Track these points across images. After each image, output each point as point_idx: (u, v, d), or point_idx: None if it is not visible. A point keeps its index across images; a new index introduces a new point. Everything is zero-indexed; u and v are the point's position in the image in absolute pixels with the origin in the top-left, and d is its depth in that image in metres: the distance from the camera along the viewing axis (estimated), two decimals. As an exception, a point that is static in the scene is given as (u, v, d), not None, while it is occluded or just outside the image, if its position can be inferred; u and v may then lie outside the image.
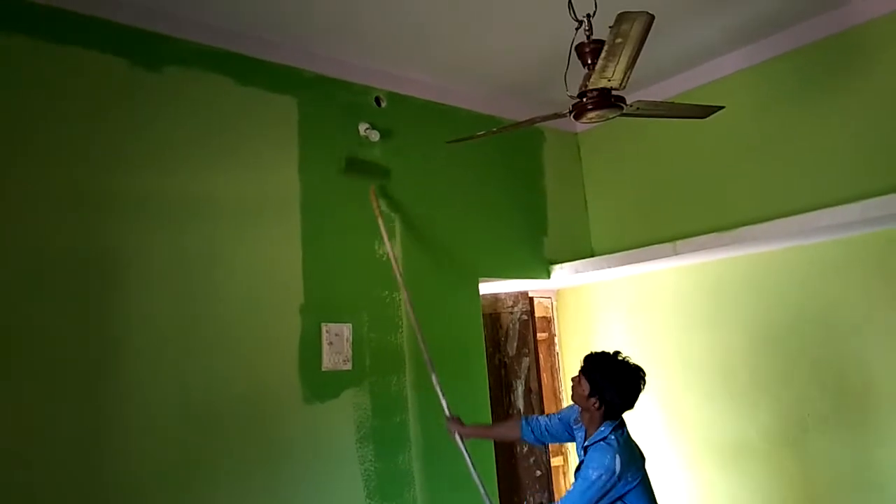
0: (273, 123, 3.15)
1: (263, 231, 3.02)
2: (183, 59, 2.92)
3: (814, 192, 3.26)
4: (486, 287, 4.03)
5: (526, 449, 4.10)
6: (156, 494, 2.57)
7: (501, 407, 4.15)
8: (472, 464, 2.93)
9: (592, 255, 4.17)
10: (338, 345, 3.13)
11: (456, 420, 3.01)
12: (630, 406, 2.47)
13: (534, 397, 4.18)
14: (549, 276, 4.09)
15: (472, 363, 3.61)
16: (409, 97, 3.66)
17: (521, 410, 4.15)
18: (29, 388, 2.38)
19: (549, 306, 4.70)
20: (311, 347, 3.05)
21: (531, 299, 4.31)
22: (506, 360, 4.24)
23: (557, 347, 4.66)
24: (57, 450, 2.40)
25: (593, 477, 2.31)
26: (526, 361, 4.18)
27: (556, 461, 4.39)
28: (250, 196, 3.01)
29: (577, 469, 2.46)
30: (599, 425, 2.45)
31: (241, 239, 2.94)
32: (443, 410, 3.04)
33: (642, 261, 3.71)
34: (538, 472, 4.08)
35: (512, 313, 4.30)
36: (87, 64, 2.68)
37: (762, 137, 3.52)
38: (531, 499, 4.05)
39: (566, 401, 4.55)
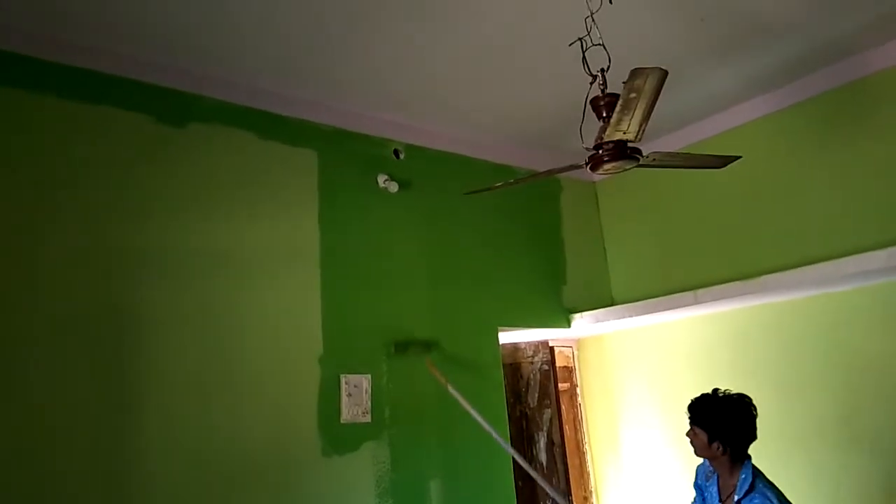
0: (294, 176, 3.20)
1: (283, 282, 3.04)
2: (206, 115, 3.00)
3: (837, 240, 3.21)
4: (506, 336, 4.00)
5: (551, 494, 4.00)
6: (173, 550, 2.54)
7: (524, 460, 4.07)
8: None
9: (613, 304, 4.13)
10: (357, 396, 3.11)
11: None
12: (753, 436, 2.41)
13: (556, 450, 4.10)
14: (569, 325, 4.05)
15: (493, 414, 3.54)
16: (426, 149, 3.71)
17: (545, 464, 4.06)
18: (50, 438, 2.39)
19: (571, 356, 4.64)
20: (329, 399, 3.03)
21: (552, 349, 4.26)
22: (527, 411, 4.18)
23: (580, 398, 4.58)
24: (77, 493, 2.40)
25: None
26: (548, 413, 4.11)
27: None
28: (271, 248, 3.04)
29: None
30: (733, 470, 2.39)
31: (262, 290, 2.96)
32: None
33: (663, 310, 3.68)
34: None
35: (532, 363, 4.25)
36: (113, 121, 2.76)
37: (782, 184, 3.50)
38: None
39: (590, 453, 4.45)
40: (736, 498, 2.33)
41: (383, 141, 3.55)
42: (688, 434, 2.49)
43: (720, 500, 2.45)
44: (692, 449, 2.52)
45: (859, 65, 3.21)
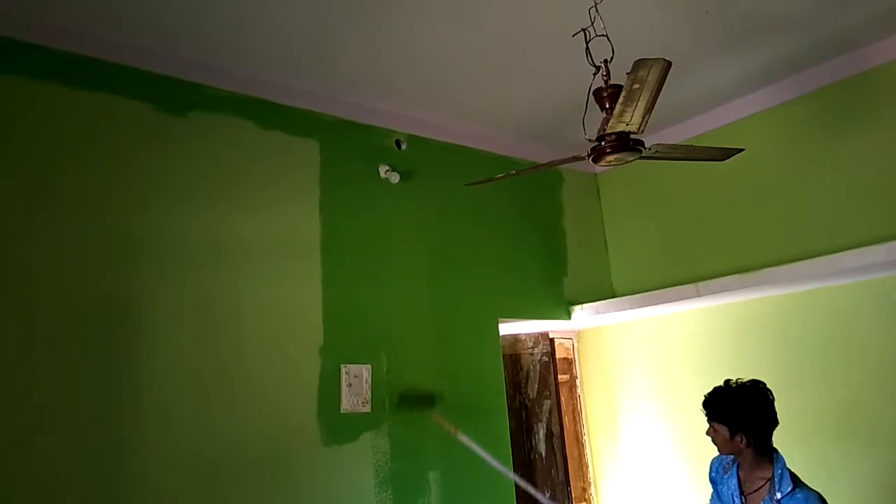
0: (295, 166, 3.19)
1: (284, 273, 3.04)
2: (207, 104, 2.99)
3: (838, 234, 3.21)
4: (506, 328, 4.00)
5: (548, 494, 4.02)
6: (173, 539, 2.55)
7: (523, 451, 4.09)
8: None
9: (613, 296, 4.13)
10: (357, 386, 3.12)
11: None
12: (775, 422, 2.33)
13: (555, 441, 4.11)
14: (569, 317, 4.05)
15: (493, 405, 3.56)
16: (428, 139, 3.70)
17: (543, 455, 4.07)
18: (49, 427, 2.39)
19: (571, 347, 4.64)
20: (330, 389, 3.04)
21: (552, 340, 4.27)
22: (526, 402, 4.19)
23: (579, 390, 4.59)
24: (76, 484, 2.40)
25: None
26: (547, 404, 4.12)
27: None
28: (272, 238, 3.04)
29: None
30: (759, 462, 2.29)
31: (262, 280, 2.96)
32: None
33: (664, 302, 3.68)
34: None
35: (532, 354, 4.25)
36: (114, 109, 2.75)
37: (784, 177, 3.50)
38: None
39: (589, 444, 4.47)
40: (778, 496, 2.20)
41: (385, 131, 3.54)
42: (708, 433, 2.38)
43: (742, 494, 2.34)
44: (714, 447, 2.40)
45: (861, 59, 3.20)
